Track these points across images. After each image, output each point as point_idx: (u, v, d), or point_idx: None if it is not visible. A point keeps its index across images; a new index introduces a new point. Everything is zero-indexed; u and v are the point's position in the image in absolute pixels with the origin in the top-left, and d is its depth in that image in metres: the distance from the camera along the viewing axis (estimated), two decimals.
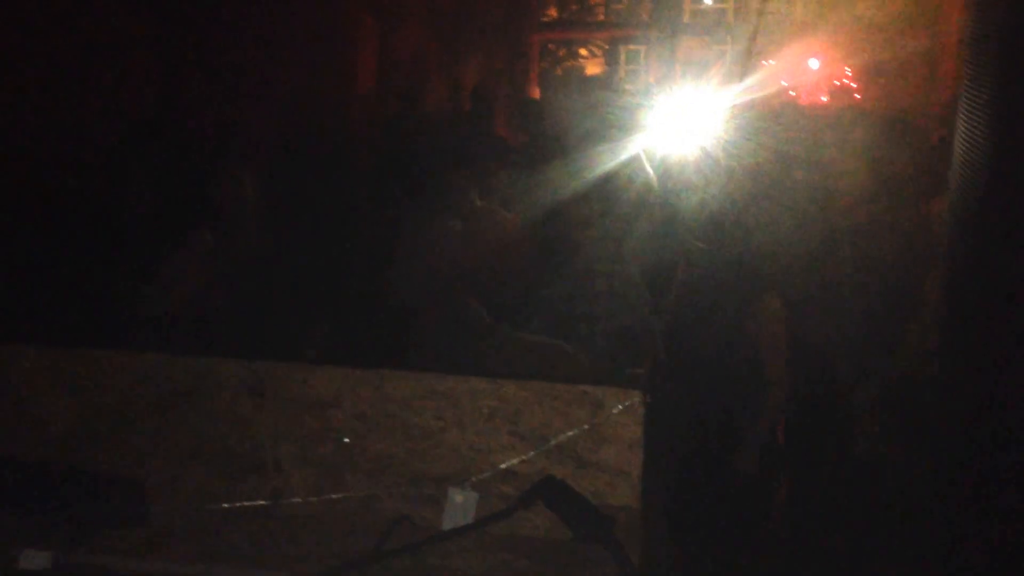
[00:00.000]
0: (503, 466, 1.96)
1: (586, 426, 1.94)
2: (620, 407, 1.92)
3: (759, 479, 3.18)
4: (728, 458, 3.06)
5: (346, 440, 2.02)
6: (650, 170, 5.26)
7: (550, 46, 15.35)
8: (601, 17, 15.82)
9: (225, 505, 2.01)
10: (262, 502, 2.01)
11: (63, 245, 2.65)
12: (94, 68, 5.98)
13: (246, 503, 2.02)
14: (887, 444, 3.63)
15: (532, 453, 1.95)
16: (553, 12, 15.31)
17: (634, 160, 5.43)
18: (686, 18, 16.48)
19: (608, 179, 5.20)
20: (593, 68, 16.40)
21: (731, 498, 2.93)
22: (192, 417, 2.07)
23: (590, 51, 15.91)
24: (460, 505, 1.91)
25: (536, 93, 13.35)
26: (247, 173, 4.24)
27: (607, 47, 15.68)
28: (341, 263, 4.13)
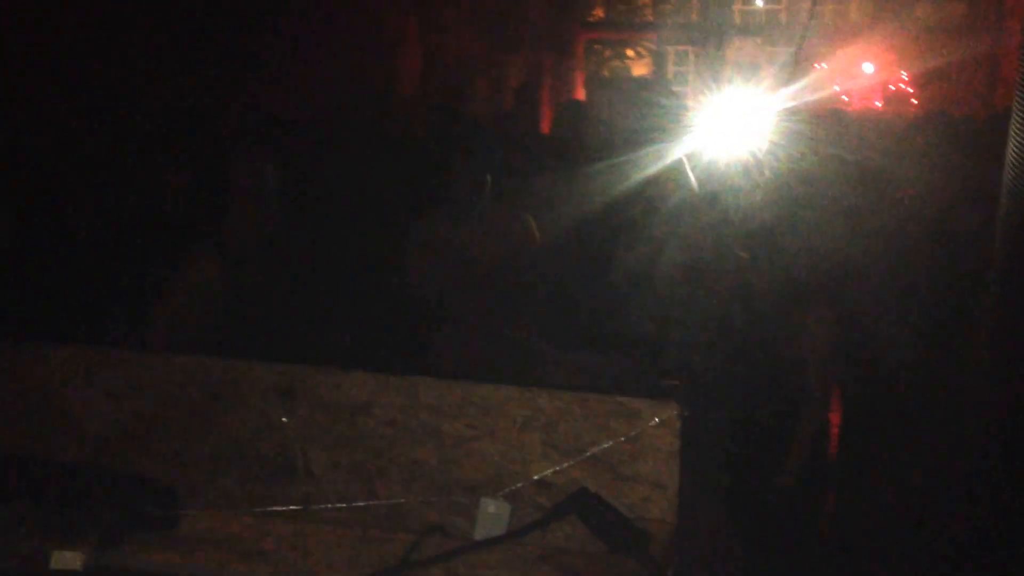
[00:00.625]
0: (536, 477, 1.92)
1: (622, 438, 1.89)
2: (657, 420, 1.88)
3: (803, 493, 3.11)
4: (771, 472, 2.99)
5: (377, 446, 2.00)
6: (691, 176, 5.19)
7: (596, 47, 15.29)
8: (649, 17, 15.71)
9: (256, 510, 1.99)
10: (293, 507, 1.99)
11: (94, 245, 2.66)
12: (139, 63, 6.03)
13: (277, 508, 2.00)
14: (939, 455, 3.55)
15: (566, 464, 1.91)
16: (599, 12, 15.24)
17: (677, 165, 5.37)
18: (736, 19, 16.34)
19: (649, 184, 5.14)
20: (640, 69, 16.30)
21: (774, 512, 2.86)
22: (225, 420, 2.05)
23: (637, 52, 15.81)
24: (493, 515, 1.87)
25: (581, 94, 13.31)
26: (284, 174, 4.24)
27: (655, 48, 15.58)
28: (375, 266, 4.12)
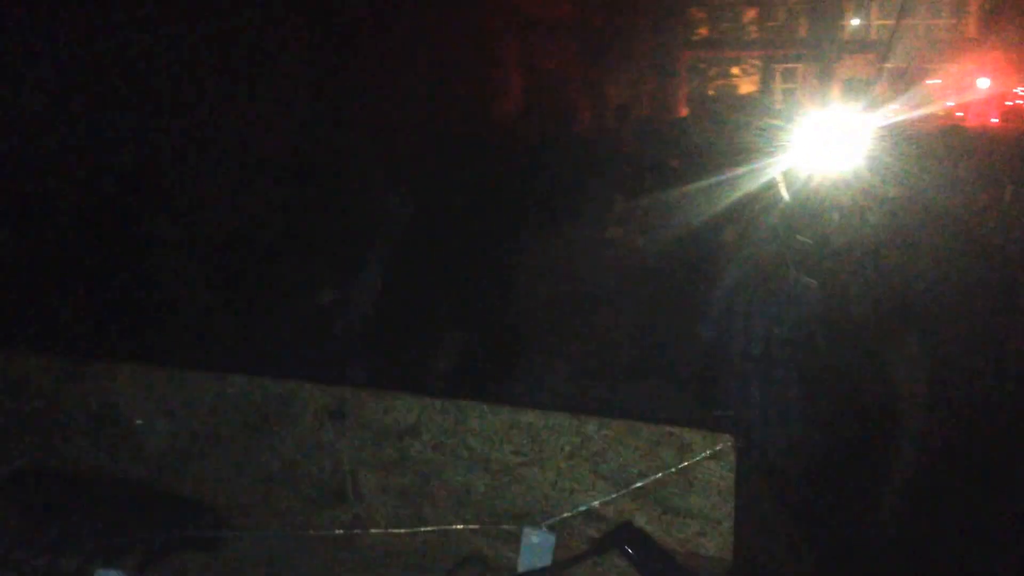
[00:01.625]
0: (584, 507, 1.86)
1: (673, 469, 1.82)
2: (709, 451, 1.79)
3: (896, 540, 2.91)
4: (855, 514, 2.80)
5: (425, 470, 1.97)
6: (786, 195, 5.04)
7: (701, 65, 15.09)
8: (755, 35, 15.44)
9: (304, 532, 1.98)
10: (339, 531, 1.97)
11: (157, 269, 2.71)
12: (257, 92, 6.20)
13: (323, 532, 1.98)
14: None
15: (615, 494, 1.84)
16: (703, 31, 15.05)
17: (774, 184, 5.22)
18: (846, 35, 15.94)
19: (743, 204, 5.02)
20: (747, 87, 16.02)
21: (857, 557, 2.67)
22: (276, 440, 2.05)
23: (743, 70, 15.54)
24: (536, 546, 1.81)
25: (684, 111, 13.15)
26: (384, 195, 4.27)
27: (760, 65, 15.30)
28: (467, 286, 4.09)
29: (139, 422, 2.11)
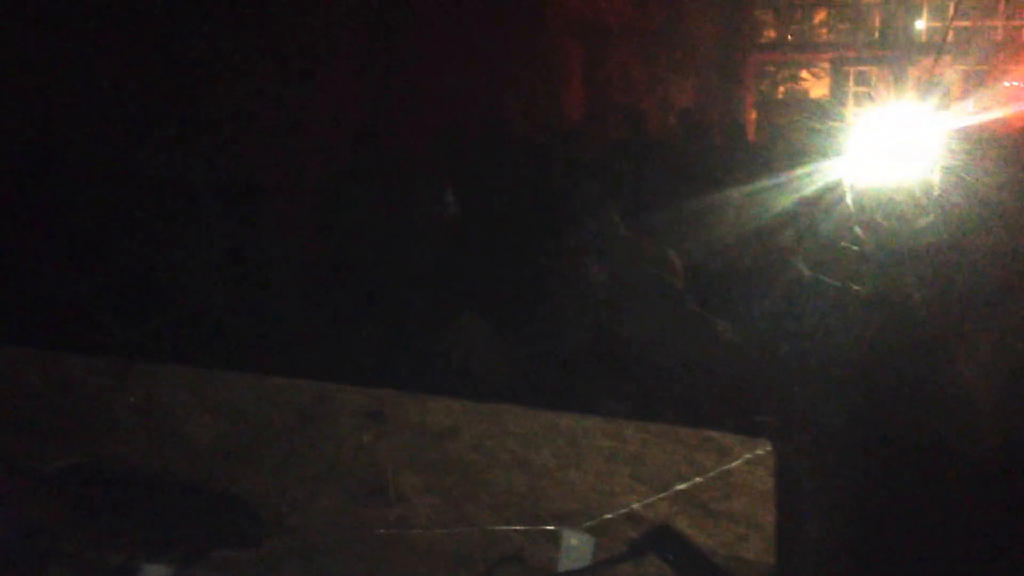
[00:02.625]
0: (624, 510, 1.85)
1: (712, 473, 1.79)
2: (748, 456, 1.76)
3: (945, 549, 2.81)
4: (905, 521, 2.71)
5: (466, 471, 1.97)
6: (850, 202, 4.95)
7: (768, 68, 14.93)
8: (825, 38, 15.22)
9: (344, 530, 2.00)
10: (380, 530, 1.98)
11: (201, 269, 2.77)
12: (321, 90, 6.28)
13: (363, 530, 2.00)
14: None
15: (653, 497, 1.82)
16: (771, 34, 14.88)
17: (836, 187, 5.14)
18: (922, 37, 15.64)
19: (805, 205, 4.94)
20: (818, 90, 15.80)
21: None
22: (318, 441, 2.07)
23: (812, 73, 15.34)
24: (576, 548, 1.81)
25: (751, 116, 13.01)
26: (438, 199, 4.30)
27: (831, 68, 15.07)
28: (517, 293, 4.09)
29: (185, 421, 2.14)
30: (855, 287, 3.20)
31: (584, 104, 10.16)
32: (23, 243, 2.73)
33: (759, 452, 1.77)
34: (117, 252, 2.75)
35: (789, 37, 14.71)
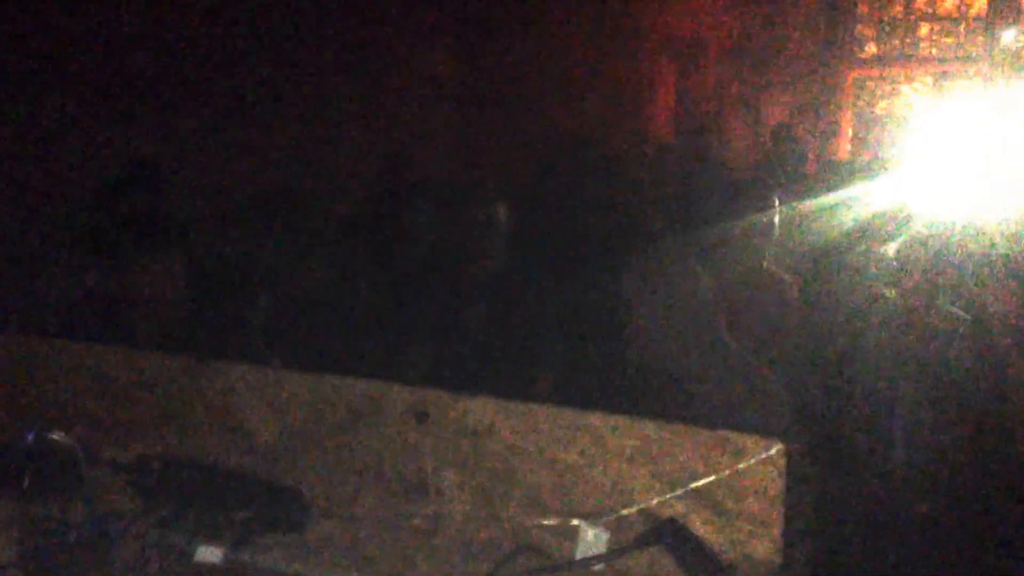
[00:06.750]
0: (641, 506, 1.94)
1: (727, 472, 1.88)
2: (762, 455, 1.85)
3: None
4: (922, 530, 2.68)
5: (500, 469, 2.09)
6: (913, 218, 4.90)
7: (868, 83, 14.68)
8: (930, 51, 14.90)
9: (384, 522, 2.14)
10: (416, 520, 2.12)
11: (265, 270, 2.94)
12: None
13: (401, 522, 2.13)
14: None
15: (669, 495, 1.92)
16: (872, 48, 14.64)
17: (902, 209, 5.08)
18: None
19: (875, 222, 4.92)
20: (920, 105, 15.46)
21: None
22: (366, 437, 2.22)
23: (915, 87, 15.02)
24: (590, 542, 1.91)
25: (848, 131, 12.83)
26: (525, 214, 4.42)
27: (936, 82, 14.75)
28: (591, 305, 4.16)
29: (248, 416, 2.32)
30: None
31: (673, 121, 10.20)
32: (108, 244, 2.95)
33: (771, 452, 1.85)
34: (201, 253, 2.96)
35: (892, 52, 14.47)
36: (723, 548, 1.87)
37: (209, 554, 1.95)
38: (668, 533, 1.77)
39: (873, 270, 4.26)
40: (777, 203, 4.32)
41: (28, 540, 2.14)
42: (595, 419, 2.01)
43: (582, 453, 2.02)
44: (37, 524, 2.10)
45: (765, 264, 3.97)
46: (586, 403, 2.02)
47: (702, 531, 1.88)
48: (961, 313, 3.57)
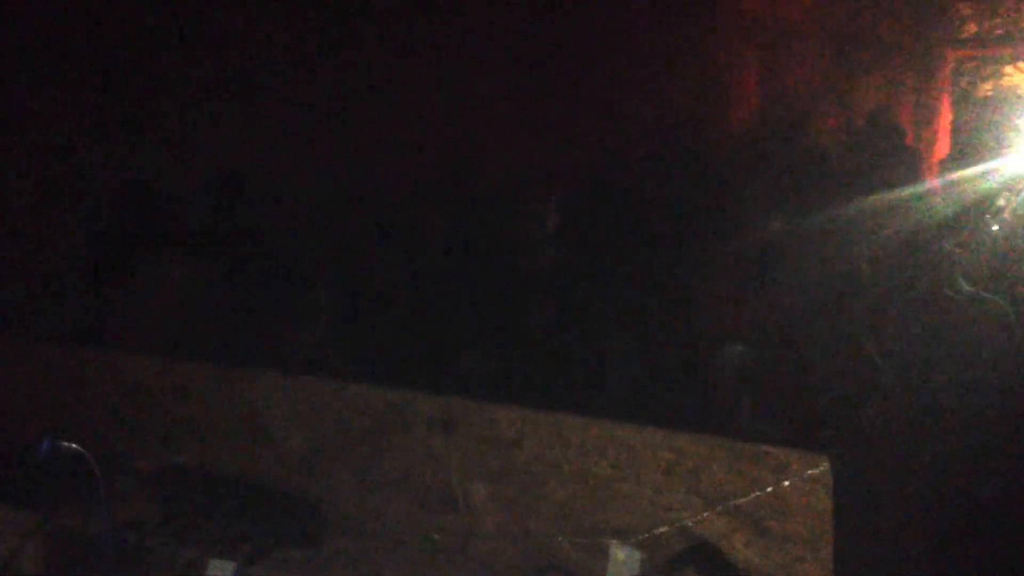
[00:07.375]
0: (678, 526, 1.79)
1: (769, 489, 1.71)
2: (807, 473, 1.67)
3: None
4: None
5: (528, 482, 1.96)
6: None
7: (969, 64, 14.04)
8: None
9: (400, 536, 2.03)
10: (435, 536, 2.00)
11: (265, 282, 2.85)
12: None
13: (430, 536, 2.02)
14: None
15: (707, 513, 1.76)
16: (972, 27, 14.00)
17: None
18: None
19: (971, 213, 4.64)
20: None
21: None
22: (392, 447, 2.10)
23: (1019, 68, 14.31)
24: (622, 563, 1.77)
25: (948, 116, 12.28)
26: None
27: None
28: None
29: (276, 425, 2.23)
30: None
31: (755, 109, 9.86)
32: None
33: (818, 469, 1.67)
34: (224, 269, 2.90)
35: (994, 30, 13.79)
36: (771, 571, 1.70)
37: (221, 568, 1.86)
38: (700, 557, 1.61)
39: None
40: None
41: (48, 549, 2.08)
42: (626, 431, 1.86)
43: (614, 465, 1.88)
44: (56, 534, 2.04)
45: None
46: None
47: (746, 553, 1.72)
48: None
